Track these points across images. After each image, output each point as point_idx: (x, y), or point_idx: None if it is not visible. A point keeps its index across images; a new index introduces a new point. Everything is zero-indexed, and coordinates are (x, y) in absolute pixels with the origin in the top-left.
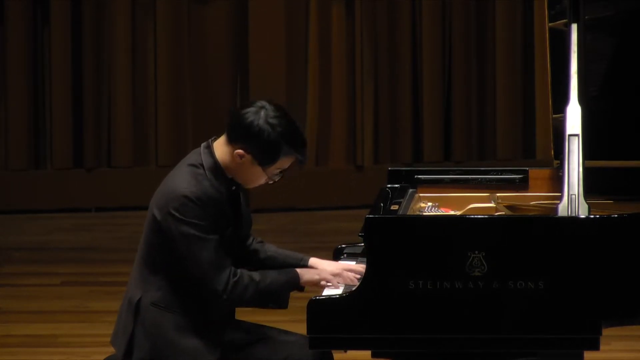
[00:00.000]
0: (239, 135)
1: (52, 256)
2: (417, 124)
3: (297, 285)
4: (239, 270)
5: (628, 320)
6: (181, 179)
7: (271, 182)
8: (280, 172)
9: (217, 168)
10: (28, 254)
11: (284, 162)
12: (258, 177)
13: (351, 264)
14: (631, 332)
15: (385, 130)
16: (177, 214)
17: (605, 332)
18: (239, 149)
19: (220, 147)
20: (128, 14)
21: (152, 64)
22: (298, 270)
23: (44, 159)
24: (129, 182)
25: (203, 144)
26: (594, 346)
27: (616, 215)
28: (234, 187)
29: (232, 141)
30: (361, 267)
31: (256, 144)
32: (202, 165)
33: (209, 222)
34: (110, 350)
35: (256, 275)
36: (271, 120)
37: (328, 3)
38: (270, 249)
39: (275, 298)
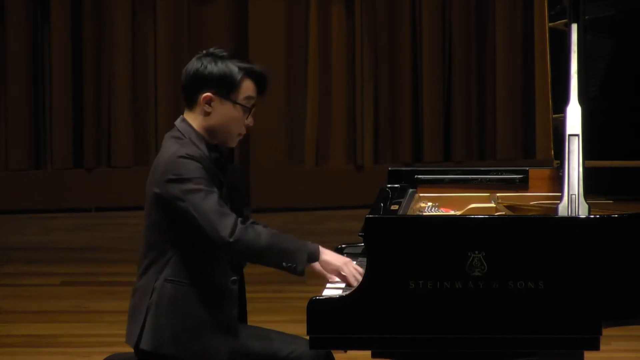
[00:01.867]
0: (195, 85)
1: (52, 256)
2: (417, 124)
3: (315, 255)
4: (250, 221)
5: (628, 320)
6: (169, 149)
7: (247, 119)
8: (252, 105)
9: (197, 134)
10: (28, 254)
11: (248, 86)
12: (234, 118)
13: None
14: (631, 332)
15: (385, 130)
16: (175, 177)
17: (605, 332)
18: (203, 95)
19: (190, 117)
20: (128, 14)
21: (152, 64)
22: (320, 246)
23: (44, 159)
24: (128, 182)
25: (177, 120)
26: (594, 346)
27: (616, 215)
28: (218, 154)
29: (193, 98)
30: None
31: (213, 78)
32: (182, 134)
33: (205, 178)
34: (110, 350)
35: (270, 229)
36: (213, 52)
37: (328, 3)
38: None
39: (290, 257)
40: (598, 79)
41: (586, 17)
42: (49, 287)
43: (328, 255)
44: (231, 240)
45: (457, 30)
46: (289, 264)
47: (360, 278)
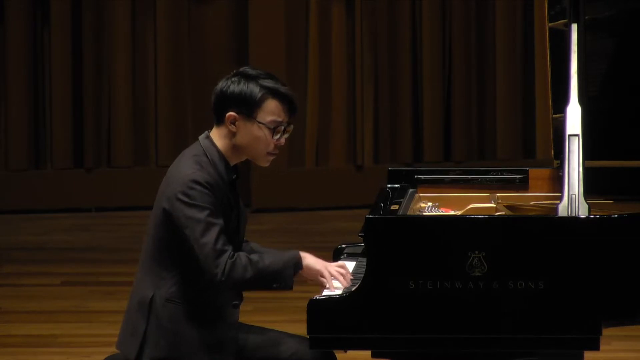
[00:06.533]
0: (221, 105)
1: (52, 256)
2: (417, 124)
3: (299, 265)
4: (236, 253)
5: (628, 320)
6: (187, 167)
7: (278, 138)
8: (278, 125)
9: (219, 155)
10: (28, 254)
11: (272, 106)
12: (260, 137)
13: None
14: (631, 332)
15: (385, 130)
16: (185, 198)
17: (605, 332)
18: (227, 114)
19: (216, 135)
20: (128, 14)
21: (152, 64)
22: (300, 252)
23: (44, 159)
24: (128, 182)
25: (201, 136)
26: (594, 346)
27: (616, 215)
28: (234, 176)
29: (221, 117)
30: (341, 264)
31: (233, 98)
32: (205, 154)
33: (215, 206)
34: (110, 350)
35: (254, 256)
36: (242, 71)
37: (328, 3)
38: (255, 247)
39: (278, 277)
40: (598, 79)
41: (586, 17)
42: (49, 287)
43: (309, 259)
44: (223, 279)
45: (457, 30)
46: (280, 284)
47: (343, 272)
